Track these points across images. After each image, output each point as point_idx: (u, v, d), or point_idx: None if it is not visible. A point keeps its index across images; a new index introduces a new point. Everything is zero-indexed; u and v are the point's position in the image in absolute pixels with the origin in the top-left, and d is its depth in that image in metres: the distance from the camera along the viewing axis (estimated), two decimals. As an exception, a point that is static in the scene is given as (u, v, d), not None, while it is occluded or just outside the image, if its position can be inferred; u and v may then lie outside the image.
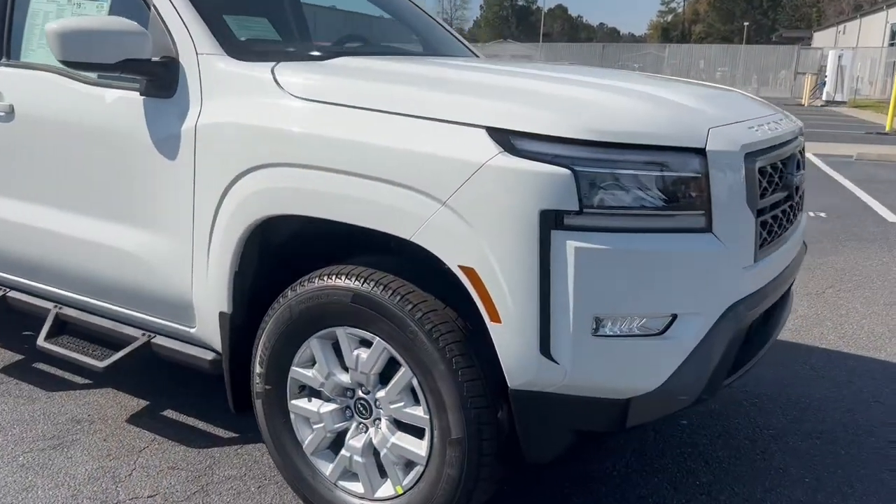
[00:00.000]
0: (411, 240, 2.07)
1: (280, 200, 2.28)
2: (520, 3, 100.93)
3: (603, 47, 44.08)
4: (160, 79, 2.53)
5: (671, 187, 2.00)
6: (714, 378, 2.13)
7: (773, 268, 2.36)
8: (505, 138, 1.96)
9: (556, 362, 1.99)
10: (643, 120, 2.05)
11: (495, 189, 1.94)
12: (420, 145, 2.05)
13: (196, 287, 2.56)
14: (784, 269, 2.51)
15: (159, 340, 2.85)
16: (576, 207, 1.92)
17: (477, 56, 3.91)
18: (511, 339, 2.00)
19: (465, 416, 2.11)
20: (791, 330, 4.38)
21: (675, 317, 2.05)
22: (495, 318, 2.01)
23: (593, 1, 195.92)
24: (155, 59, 2.53)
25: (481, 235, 1.97)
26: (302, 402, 2.44)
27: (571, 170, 1.91)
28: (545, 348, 1.98)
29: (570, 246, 1.91)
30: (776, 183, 2.33)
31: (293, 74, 2.35)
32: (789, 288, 2.86)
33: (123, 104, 2.62)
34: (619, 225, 1.96)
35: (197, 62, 2.49)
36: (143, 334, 2.89)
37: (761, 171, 2.20)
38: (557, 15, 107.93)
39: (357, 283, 2.18)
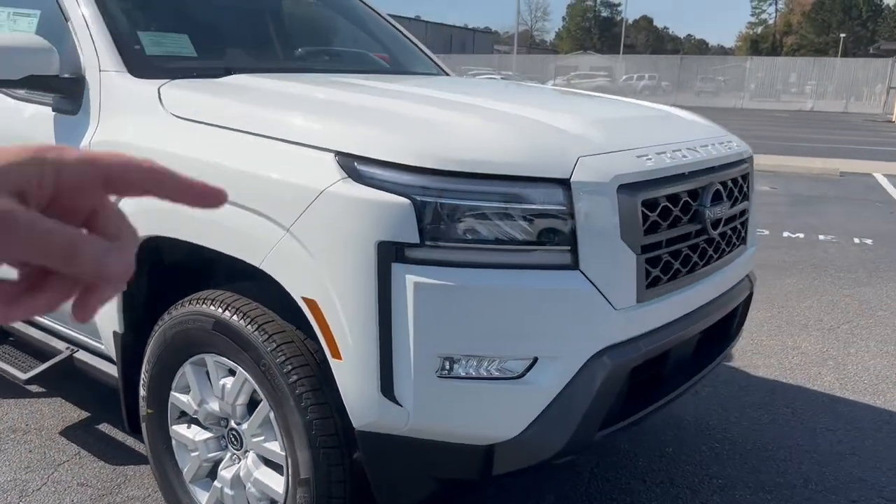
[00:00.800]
0: (260, 267, 1.98)
1: (154, 221, 2.23)
2: (603, 14, 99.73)
3: (681, 59, 42.92)
4: (67, 95, 2.52)
5: (529, 221, 1.85)
6: (583, 429, 1.95)
7: (676, 308, 2.16)
8: (350, 164, 1.85)
9: (398, 404, 1.85)
10: (499, 147, 1.90)
11: (334, 217, 1.83)
12: (270, 169, 1.96)
13: (95, 305, 2.53)
14: (703, 308, 2.30)
15: (81, 355, 2.84)
16: (416, 240, 1.78)
17: (436, 73, 3.78)
18: (352, 377, 1.88)
19: (312, 456, 2.00)
20: (786, 368, 4.07)
21: (535, 360, 1.89)
22: (336, 354, 1.89)
23: (680, 12, 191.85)
24: (64, 75, 2.52)
25: (322, 266, 1.86)
26: (181, 429, 2.38)
27: (411, 199, 1.78)
28: (387, 389, 1.85)
29: (409, 280, 1.78)
30: (678, 216, 2.12)
31: (176, 93, 2.30)
32: (728, 326, 2.64)
33: (39, 120, 2.62)
34: (467, 259, 1.82)
35: (99, 79, 2.47)
36: (67, 348, 2.89)
37: (648, 203, 2.01)
38: (642, 26, 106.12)
39: (219, 309, 2.10)
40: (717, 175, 2.32)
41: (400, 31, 3.91)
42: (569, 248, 1.88)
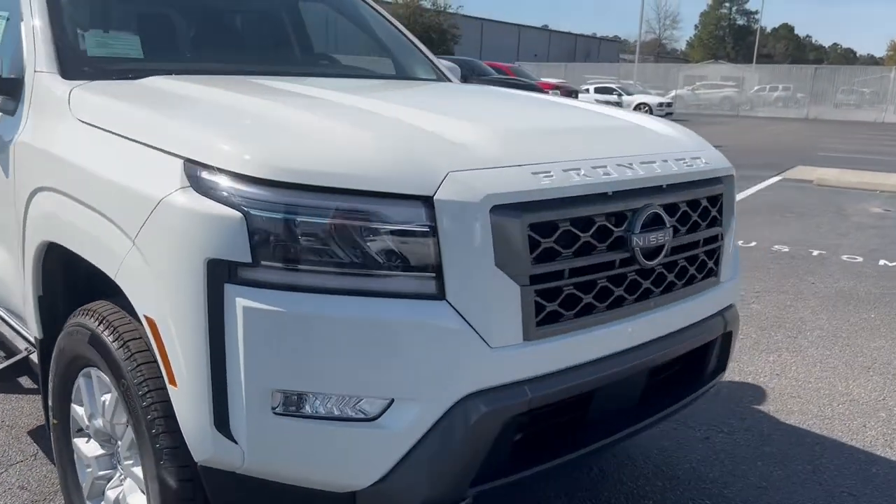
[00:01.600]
0: (115, 280, 1.85)
1: (48, 226, 2.16)
2: (739, 22, 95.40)
3: (815, 69, 40.22)
4: (9, 95, 2.50)
5: (385, 243, 1.62)
6: (449, 482, 1.71)
7: (591, 348, 1.86)
8: (195, 172, 1.69)
9: (233, 440, 1.67)
10: (357, 158, 1.68)
11: (169, 229, 1.68)
12: (126, 175, 1.83)
13: (25, 307, 2.50)
14: (640, 349, 1.99)
15: (34, 356, 2.83)
16: (248, 259, 1.60)
17: (424, 75, 3.56)
18: (187, 407, 1.72)
19: (161, 490, 1.84)
20: (826, 416, 3.57)
21: (392, 402, 1.66)
22: (172, 380, 1.73)
23: (824, 20, 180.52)
24: (8, 76, 2.51)
25: (160, 282, 1.71)
26: (80, 443, 2.29)
27: (244, 213, 1.60)
28: (221, 423, 1.67)
29: (239, 304, 1.60)
30: (589, 243, 1.83)
31: (82, 95, 2.22)
32: (696, 369, 2.29)
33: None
34: (310, 284, 1.62)
35: (33, 80, 2.44)
36: (26, 348, 2.89)
37: (540, 227, 1.73)
38: (782, 35, 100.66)
39: (95, 322, 2.00)
40: (659, 197, 1.99)
41: (402, 34, 3.73)
42: (433, 275, 1.64)
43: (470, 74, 22.62)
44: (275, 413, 1.65)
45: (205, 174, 1.66)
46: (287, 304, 1.60)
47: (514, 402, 1.73)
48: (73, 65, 2.45)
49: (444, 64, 3.80)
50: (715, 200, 2.22)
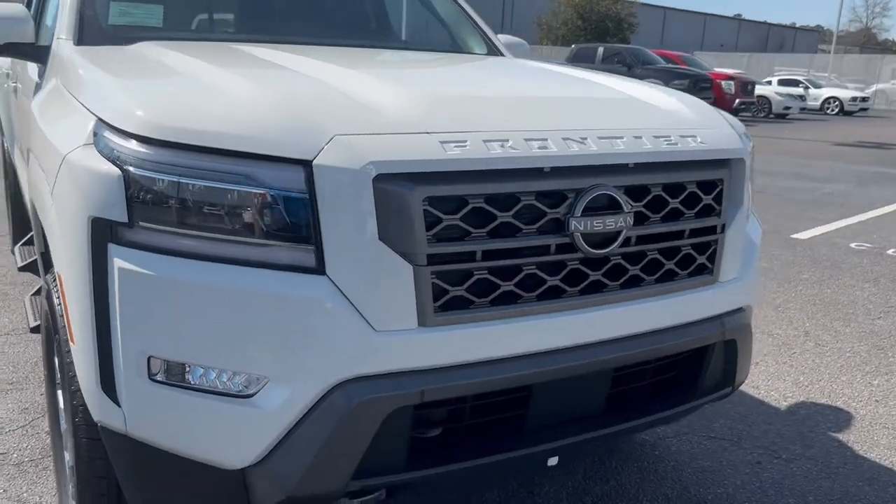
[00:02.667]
0: (45, 233, 1.89)
1: (28, 186, 2.25)
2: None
3: None
4: (40, 62, 2.65)
5: (260, 209, 1.53)
6: (325, 471, 1.58)
7: (509, 341, 1.66)
8: (99, 130, 1.67)
9: (117, 404, 1.64)
10: (241, 118, 1.58)
11: (68, 185, 1.68)
12: (57, 130, 1.86)
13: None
14: (584, 348, 1.76)
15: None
16: (124, 219, 1.56)
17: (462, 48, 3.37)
18: (81, 366, 1.71)
19: (74, 446, 1.86)
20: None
21: (267, 380, 1.56)
22: (72, 338, 1.73)
23: None
24: (40, 44, 2.66)
25: (61, 239, 1.71)
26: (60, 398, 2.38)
27: (123, 171, 1.56)
28: (107, 385, 1.65)
29: (115, 265, 1.56)
30: (510, 223, 1.62)
31: (73, 57, 2.28)
32: (686, 378, 2.01)
33: (33, 80, 2.78)
34: (185, 248, 1.55)
35: (54, 47, 2.55)
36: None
37: (443, 201, 1.55)
38: None
39: (52, 279, 2.05)
40: (619, 177, 1.74)
41: (459, 6, 3.56)
42: (312, 247, 1.52)
43: (635, 63, 21.83)
44: (152, 380, 1.60)
45: (105, 132, 1.64)
46: (159, 269, 1.54)
47: (402, 392, 1.56)
48: (88, 32, 2.53)
49: (505, 39, 3.60)
50: (710, 186, 1.91)
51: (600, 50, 23.18)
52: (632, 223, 1.75)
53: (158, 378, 1.60)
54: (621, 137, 1.78)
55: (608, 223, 1.70)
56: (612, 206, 1.72)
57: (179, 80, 1.92)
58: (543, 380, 1.74)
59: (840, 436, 3.18)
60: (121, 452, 1.72)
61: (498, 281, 1.64)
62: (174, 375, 1.60)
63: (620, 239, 1.74)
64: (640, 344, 1.86)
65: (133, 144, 1.56)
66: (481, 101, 1.90)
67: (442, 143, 1.57)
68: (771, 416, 3.33)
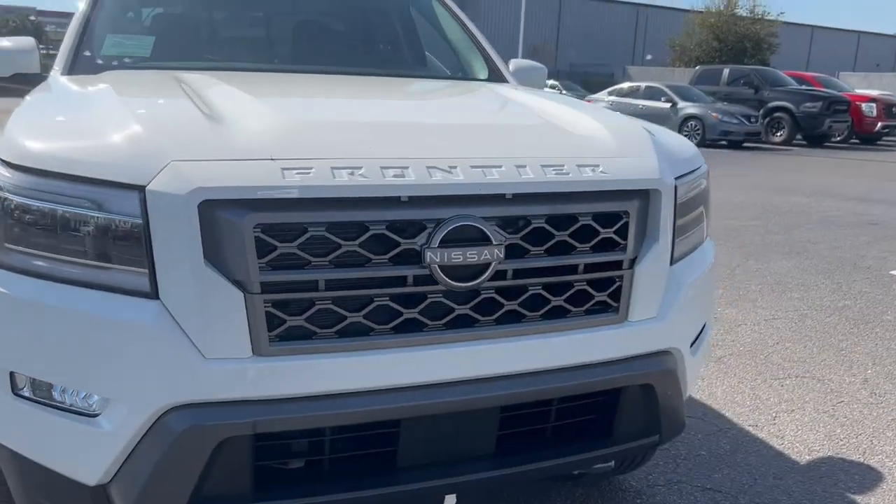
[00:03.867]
0: None
1: None
2: None
3: None
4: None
5: (99, 232, 1.57)
6: (168, 497, 1.59)
7: (360, 373, 1.61)
8: None
9: (-10, 415, 1.73)
10: (94, 145, 1.63)
11: None
12: None
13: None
14: (455, 385, 1.69)
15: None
16: (-8, 239, 1.65)
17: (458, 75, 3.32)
18: (-35, 375, 1.81)
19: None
20: None
21: (108, 400, 1.60)
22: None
23: None
24: (44, 74, 2.88)
25: None
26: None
27: (-6, 195, 1.65)
28: (-22, 394, 1.73)
29: (-18, 283, 1.65)
30: (358, 253, 1.58)
31: (43, 85, 2.45)
32: (596, 423, 1.89)
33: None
34: (31, 268, 1.62)
35: (49, 76, 2.75)
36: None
37: (278, 229, 1.53)
38: None
39: None
40: (491, 207, 1.66)
41: (467, 34, 3.53)
42: (146, 271, 1.54)
43: (762, 85, 20.80)
44: (16, 395, 1.67)
45: None
46: (15, 288, 1.61)
47: (232, 422, 1.55)
48: (79, 63, 2.72)
49: (521, 64, 3.54)
50: (611, 218, 1.78)
51: (725, 72, 22.25)
52: (503, 256, 1.65)
53: (23, 393, 1.66)
54: (499, 167, 1.69)
55: (469, 255, 1.62)
56: (479, 238, 1.63)
57: (76, 109, 2.02)
58: (408, 415, 1.67)
59: (859, 498, 2.85)
60: (3, 461, 1.80)
61: (344, 312, 1.59)
62: (37, 391, 1.66)
63: (489, 272, 1.65)
64: (526, 383, 1.75)
65: (4, 170, 1.65)
66: (359, 128, 1.86)
67: (283, 169, 1.56)
68: (785, 470, 3.04)
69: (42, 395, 1.65)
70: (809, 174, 13.75)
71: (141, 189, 1.53)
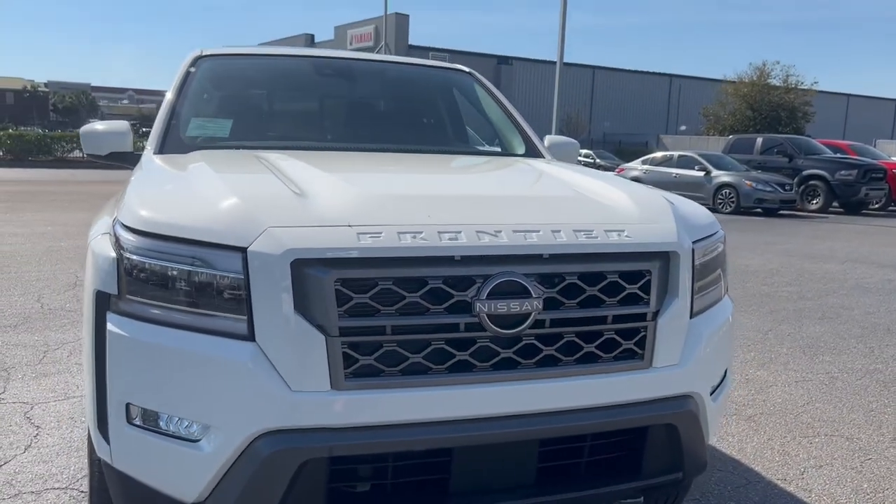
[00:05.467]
0: None
1: None
2: None
3: None
4: (134, 165, 3.26)
5: (209, 286, 1.90)
6: (247, 511, 1.86)
7: (417, 407, 1.89)
8: (115, 221, 2.13)
9: (107, 441, 2.04)
10: (203, 214, 1.97)
11: (88, 263, 2.14)
12: (99, 219, 2.36)
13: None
14: (500, 420, 1.96)
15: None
16: (115, 291, 1.98)
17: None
18: (87, 408, 2.13)
19: (90, 476, 2.27)
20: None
21: (209, 427, 1.90)
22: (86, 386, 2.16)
23: None
24: (136, 153, 3.29)
25: (84, 305, 2.17)
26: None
27: (118, 254, 1.99)
28: (102, 425, 2.05)
29: (108, 328, 1.98)
30: (417, 303, 1.88)
31: (142, 162, 2.84)
32: (623, 460, 2.14)
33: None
34: (153, 316, 1.94)
35: (143, 154, 3.16)
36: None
37: (352, 282, 1.84)
38: None
39: None
40: (530, 266, 1.95)
41: (506, 112, 3.89)
42: (244, 318, 1.86)
43: (796, 153, 21.00)
44: (130, 423, 1.97)
45: (116, 225, 2.09)
46: (135, 331, 1.93)
47: (312, 446, 1.83)
48: (168, 142, 3.12)
49: (555, 140, 3.88)
50: (635, 276, 2.06)
51: (759, 140, 22.53)
52: (541, 307, 1.94)
53: (136, 422, 1.97)
54: (538, 231, 2.00)
55: (513, 306, 1.91)
56: (521, 291, 1.93)
57: (179, 184, 2.39)
58: (459, 444, 1.93)
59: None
60: (113, 483, 2.10)
61: (407, 353, 1.88)
62: (147, 420, 1.96)
63: (530, 321, 1.93)
64: (561, 420, 2.01)
65: (125, 233, 2.00)
66: (419, 200, 2.18)
67: (359, 234, 1.88)
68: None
69: (151, 423, 1.96)
70: (844, 241, 13.82)
71: (243, 250, 1.86)
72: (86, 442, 3.67)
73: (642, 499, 2.30)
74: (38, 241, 10.26)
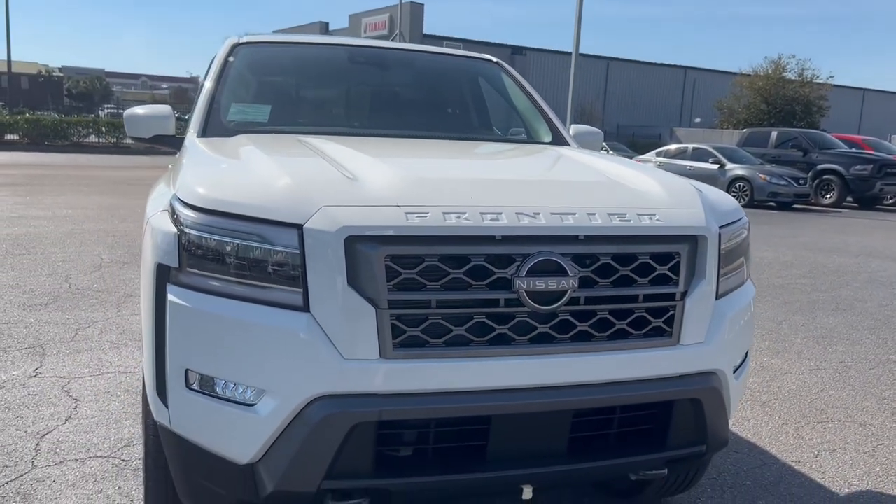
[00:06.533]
0: None
1: None
2: None
3: None
4: (177, 149, 3.39)
5: (266, 260, 2.02)
6: (302, 470, 1.99)
7: (459, 376, 2.01)
8: (172, 202, 2.26)
9: (165, 405, 2.17)
10: (260, 193, 2.09)
11: (147, 239, 2.27)
12: (154, 198, 2.49)
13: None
14: (538, 390, 2.08)
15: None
16: (176, 264, 2.11)
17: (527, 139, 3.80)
18: (146, 374, 2.26)
19: (145, 440, 2.40)
20: None
21: (264, 392, 2.03)
22: (144, 353, 2.29)
23: None
24: (178, 136, 3.42)
25: (142, 278, 2.31)
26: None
27: (178, 229, 2.12)
28: (161, 390, 2.18)
29: (169, 299, 2.11)
30: (462, 280, 2.00)
31: (188, 145, 2.97)
32: (650, 432, 2.26)
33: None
34: (213, 288, 2.06)
35: (185, 138, 3.28)
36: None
37: (401, 259, 1.96)
38: None
39: None
40: (567, 246, 2.06)
41: (533, 101, 4.00)
42: (300, 290, 1.99)
43: (811, 147, 20.99)
44: (188, 388, 2.10)
45: (174, 202, 2.22)
46: (194, 302, 2.06)
47: (363, 410, 1.95)
48: (210, 127, 3.25)
49: (580, 129, 3.98)
50: (665, 258, 2.17)
51: (774, 134, 22.51)
52: (577, 285, 2.05)
53: (194, 387, 2.10)
54: (574, 213, 2.11)
55: (550, 284, 2.02)
56: (558, 270, 2.04)
57: (232, 164, 2.51)
58: (497, 412, 2.06)
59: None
60: (169, 446, 2.24)
61: (450, 326, 2.00)
62: (204, 385, 2.09)
63: (566, 298, 2.05)
64: (593, 392, 2.13)
65: (185, 210, 2.12)
66: (462, 182, 2.29)
67: (407, 213, 2.00)
68: (825, 500, 3.31)
69: (208, 388, 2.09)
70: (858, 236, 13.85)
71: (299, 227, 1.98)
72: (123, 415, 3.84)
73: (666, 471, 2.41)
74: (60, 223, 10.45)
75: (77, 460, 3.37)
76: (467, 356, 2.02)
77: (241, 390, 2.05)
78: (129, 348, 5.00)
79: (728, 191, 19.26)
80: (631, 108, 59.76)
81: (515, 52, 56.31)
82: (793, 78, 44.42)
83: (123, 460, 3.38)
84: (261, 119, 3.44)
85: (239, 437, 2.06)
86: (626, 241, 2.13)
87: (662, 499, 3.21)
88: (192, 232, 2.08)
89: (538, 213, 2.08)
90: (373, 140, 3.17)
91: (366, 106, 3.91)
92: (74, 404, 4.01)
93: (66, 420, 3.80)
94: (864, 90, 68.80)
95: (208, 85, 3.49)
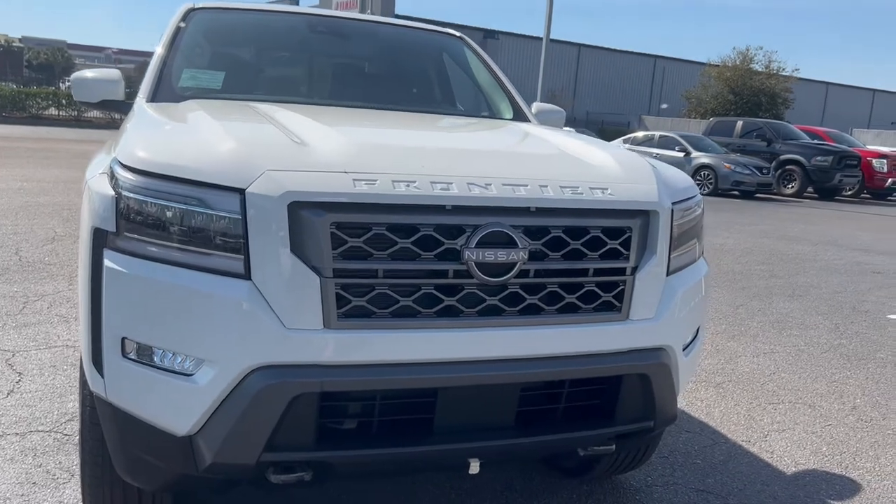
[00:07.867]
0: None
1: None
2: None
3: None
4: (125, 114, 3.28)
5: (204, 224, 1.95)
6: (240, 442, 1.94)
7: (405, 347, 1.97)
8: (113, 164, 2.17)
9: (101, 375, 2.09)
10: (202, 156, 2.01)
11: (85, 202, 2.18)
12: (95, 161, 2.40)
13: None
14: (483, 363, 2.04)
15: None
16: (113, 229, 2.03)
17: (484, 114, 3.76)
18: (82, 343, 2.18)
19: (81, 411, 2.33)
20: None
21: (202, 361, 1.96)
22: (80, 320, 2.21)
23: None
24: (127, 101, 3.31)
25: (80, 242, 2.22)
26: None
27: (116, 192, 2.04)
28: (97, 359, 2.10)
29: (105, 264, 2.03)
30: (409, 249, 1.95)
31: (135, 110, 2.87)
32: (597, 406, 2.24)
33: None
34: (149, 253, 1.99)
35: (135, 102, 3.18)
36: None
37: (347, 227, 1.90)
38: None
39: None
40: (517, 218, 2.03)
41: (495, 77, 3.96)
42: (241, 257, 1.92)
43: (774, 138, 21.27)
44: (125, 357, 2.03)
45: (114, 164, 2.13)
46: (132, 268, 1.98)
47: (304, 380, 1.90)
48: (160, 92, 3.15)
49: (542, 107, 3.95)
50: (617, 232, 2.14)
51: (739, 124, 22.77)
52: (526, 258, 2.02)
53: (130, 356, 2.03)
54: (525, 185, 2.07)
55: (500, 255, 1.98)
56: (508, 242, 2.00)
57: (178, 128, 2.43)
58: (444, 385, 2.02)
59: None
60: (105, 417, 2.16)
61: (397, 296, 1.96)
62: (142, 354, 2.02)
63: (516, 270, 2.01)
64: (541, 365, 2.10)
65: (124, 173, 2.04)
66: (413, 151, 2.25)
67: (354, 180, 1.94)
68: (772, 478, 3.34)
69: (145, 357, 2.02)
70: (817, 225, 14.09)
71: (241, 191, 1.91)
72: (68, 389, 3.74)
73: (614, 446, 2.41)
74: (14, 196, 10.17)
75: (17, 434, 3.27)
76: (414, 327, 1.97)
77: (178, 360, 1.98)
78: (79, 322, 4.88)
79: (693, 178, 19.42)
80: (601, 95, 60.01)
81: (488, 36, 56.11)
82: (760, 69, 44.94)
83: (66, 434, 3.29)
84: (214, 86, 3.34)
85: (177, 408, 2.00)
86: (578, 215, 2.10)
87: (613, 476, 3.22)
88: (130, 195, 2.00)
89: (490, 184, 2.04)
90: (328, 109, 3.10)
91: (324, 76, 3.83)
92: (18, 378, 3.90)
93: (8, 394, 3.69)
94: (828, 84, 69.90)
95: (160, 50, 3.38)
